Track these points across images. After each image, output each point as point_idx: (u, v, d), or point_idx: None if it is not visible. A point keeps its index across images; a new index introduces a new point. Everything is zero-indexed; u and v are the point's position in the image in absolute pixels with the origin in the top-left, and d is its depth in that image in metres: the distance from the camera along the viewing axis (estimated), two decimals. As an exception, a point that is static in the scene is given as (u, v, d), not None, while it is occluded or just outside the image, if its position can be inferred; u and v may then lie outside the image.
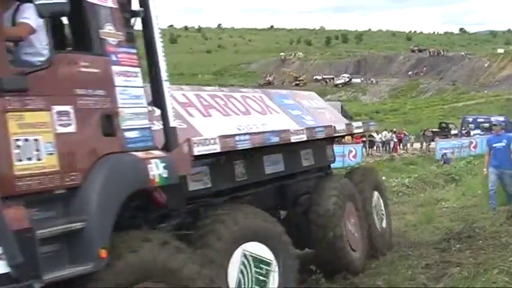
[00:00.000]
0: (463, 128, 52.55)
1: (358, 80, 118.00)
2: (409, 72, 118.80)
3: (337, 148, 39.76)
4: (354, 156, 39.51)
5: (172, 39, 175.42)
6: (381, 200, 10.21)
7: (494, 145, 12.96)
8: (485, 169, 13.29)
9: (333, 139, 9.71)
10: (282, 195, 8.25)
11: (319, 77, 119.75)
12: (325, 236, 8.17)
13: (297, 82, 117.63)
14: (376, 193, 9.99)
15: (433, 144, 46.45)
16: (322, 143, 9.15)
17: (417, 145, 50.01)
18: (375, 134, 49.29)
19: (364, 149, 43.86)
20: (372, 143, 47.93)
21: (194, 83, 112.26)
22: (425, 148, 48.07)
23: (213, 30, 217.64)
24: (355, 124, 9.77)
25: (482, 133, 48.16)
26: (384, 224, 10.05)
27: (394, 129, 51.82)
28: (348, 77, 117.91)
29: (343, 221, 8.44)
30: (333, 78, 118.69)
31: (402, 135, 49.43)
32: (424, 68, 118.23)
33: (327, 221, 8.21)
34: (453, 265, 8.18)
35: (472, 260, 8.39)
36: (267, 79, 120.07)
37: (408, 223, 12.51)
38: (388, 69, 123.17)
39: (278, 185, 8.16)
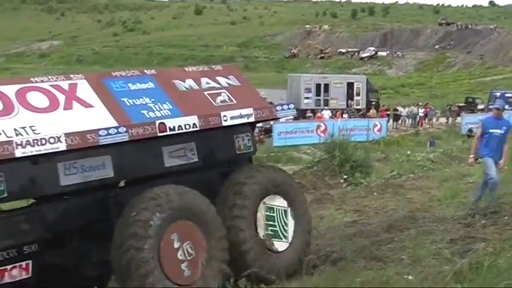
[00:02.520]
0: (490, 103, 51.94)
1: (384, 54, 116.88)
2: (436, 46, 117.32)
3: (361, 122, 40.12)
4: (379, 130, 39.39)
5: (197, 10, 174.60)
6: (286, 210, 8.03)
7: (490, 130, 10.90)
8: (471, 155, 11.49)
9: (251, 125, 8.23)
10: (106, 207, 6.94)
11: (343, 50, 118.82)
12: (118, 262, 6.56)
13: (322, 55, 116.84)
14: (268, 203, 7.85)
15: (459, 119, 46.09)
16: (223, 131, 7.77)
17: (443, 120, 49.63)
18: (400, 108, 49.03)
19: (389, 123, 43.66)
20: (397, 117, 47.67)
21: (218, 55, 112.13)
22: (451, 123, 47.72)
23: (238, 1, 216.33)
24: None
25: (510, 108, 47.63)
26: (288, 241, 7.98)
27: (420, 103, 51.40)
28: (373, 50, 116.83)
29: (156, 246, 6.57)
30: (358, 52, 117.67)
31: (428, 110, 49.06)
32: (452, 42, 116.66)
33: (120, 245, 6.54)
34: (478, 240, 8.10)
35: (497, 235, 8.31)
36: (292, 51, 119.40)
37: (433, 198, 12.43)
38: (414, 42, 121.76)
39: (101, 195, 6.91)
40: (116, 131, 6.52)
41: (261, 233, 7.68)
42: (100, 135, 6.40)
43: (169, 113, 7.17)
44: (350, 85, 50.31)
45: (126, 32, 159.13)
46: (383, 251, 8.30)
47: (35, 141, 6.02)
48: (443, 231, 8.85)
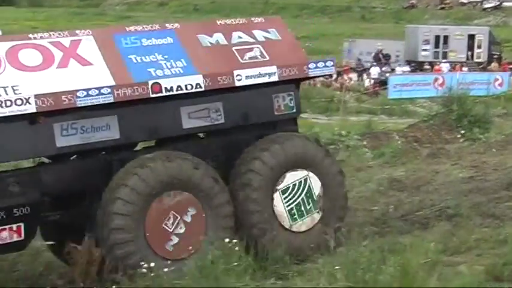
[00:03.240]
0: None
1: (510, 4, 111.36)
2: None
3: (481, 75, 38.62)
4: (500, 85, 37.76)
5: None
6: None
7: None
8: None
9: (295, 83, 7.53)
10: (110, 171, 6.59)
11: (465, 1, 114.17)
12: (100, 235, 6.42)
13: (443, 5, 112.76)
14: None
15: None
16: (258, 90, 7.16)
17: None
18: (523, 62, 46.79)
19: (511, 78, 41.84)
20: (520, 71, 45.57)
21: (335, 5, 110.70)
22: None
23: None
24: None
25: None
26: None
27: (546, 57, 48.82)
28: (498, 1, 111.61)
29: (139, 220, 6.34)
30: (481, 2, 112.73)
31: (555, 64, 46.48)
32: None
33: (101, 218, 6.39)
34: None
35: None
36: (411, 2, 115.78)
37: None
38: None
39: (104, 159, 6.67)
40: (97, 92, 6.20)
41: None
42: (78, 97, 6.11)
43: (181, 71, 6.72)
44: (471, 37, 48.35)
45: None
46: (501, 209, 8.07)
47: None
48: None
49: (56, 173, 6.59)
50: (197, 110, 7.01)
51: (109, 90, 6.26)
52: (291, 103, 7.51)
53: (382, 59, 41.81)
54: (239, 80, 6.91)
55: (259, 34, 7.39)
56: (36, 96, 6.00)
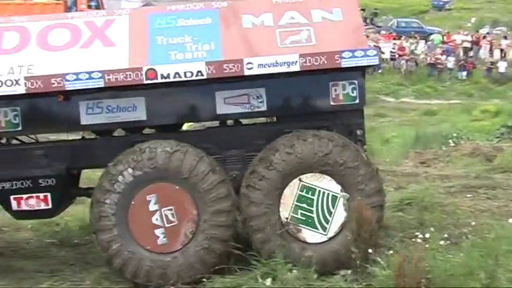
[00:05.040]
0: None
1: None
2: None
3: None
4: None
5: None
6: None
7: None
8: None
9: (361, 70, 6.73)
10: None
11: None
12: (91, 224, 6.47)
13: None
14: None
15: None
16: (311, 76, 6.57)
17: None
18: None
19: None
20: None
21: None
22: None
23: None
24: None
25: None
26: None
27: None
28: None
29: (124, 203, 6.25)
30: None
31: None
32: None
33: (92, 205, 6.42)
34: None
35: None
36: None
37: None
38: None
39: (126, 139, 6.71)
40: (87, 76, 6.22)
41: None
42: (67, 80, 6.20)
43: (205, 55, 6.38)
44: None
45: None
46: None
47: None
48: None
49: (81, 148, 6.84)
50: (235, 96, 6.69)
51: (100, 74, 6.24)
52: (353, 93, 6.73)
53: None
54: (250, 68, 6.34)
55: (318, 14, 6.69)
56: (26, 78, 6.22)
